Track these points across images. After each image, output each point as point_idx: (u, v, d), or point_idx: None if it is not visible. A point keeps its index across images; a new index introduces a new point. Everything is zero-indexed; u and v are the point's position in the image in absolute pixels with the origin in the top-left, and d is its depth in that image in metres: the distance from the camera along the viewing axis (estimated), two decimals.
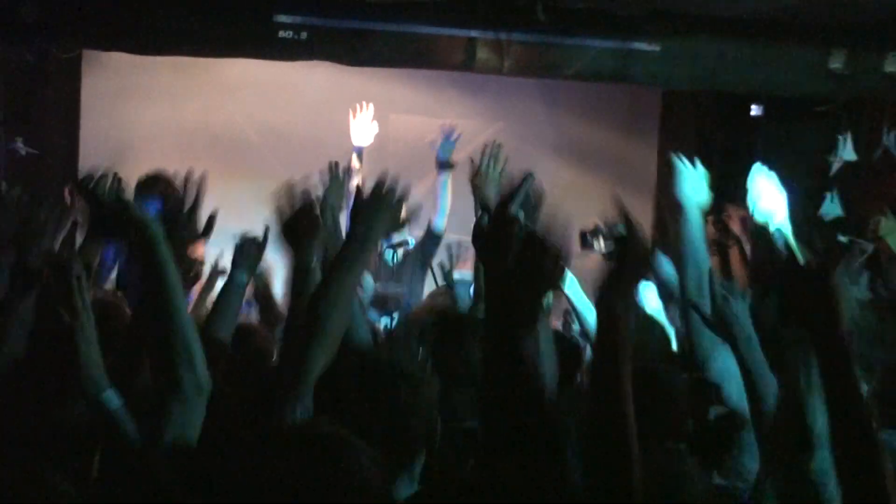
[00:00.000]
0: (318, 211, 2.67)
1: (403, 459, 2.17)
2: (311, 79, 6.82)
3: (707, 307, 3.11)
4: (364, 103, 5.67)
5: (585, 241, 4.13)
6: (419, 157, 6.55)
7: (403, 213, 2.53)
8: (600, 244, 4.11)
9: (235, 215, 6.75)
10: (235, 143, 7.18)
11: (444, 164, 5.60)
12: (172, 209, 3.31)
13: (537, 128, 7.31)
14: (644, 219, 7.06)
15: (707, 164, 4.02)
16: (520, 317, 1.86)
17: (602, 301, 1.88)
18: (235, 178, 7.13)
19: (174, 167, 7.02)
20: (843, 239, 5.65)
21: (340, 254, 2.44)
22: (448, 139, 5.51)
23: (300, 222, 2.60)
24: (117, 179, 2.91)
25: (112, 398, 2.16)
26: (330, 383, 2.28)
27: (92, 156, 6.78)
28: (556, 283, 1.95)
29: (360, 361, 2.41)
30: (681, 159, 3.89)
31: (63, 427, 2.38)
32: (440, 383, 2.45)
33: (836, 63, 5.60)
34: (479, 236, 2.05)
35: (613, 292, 1.87)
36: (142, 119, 7.02)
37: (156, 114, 7.03)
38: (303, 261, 2.60)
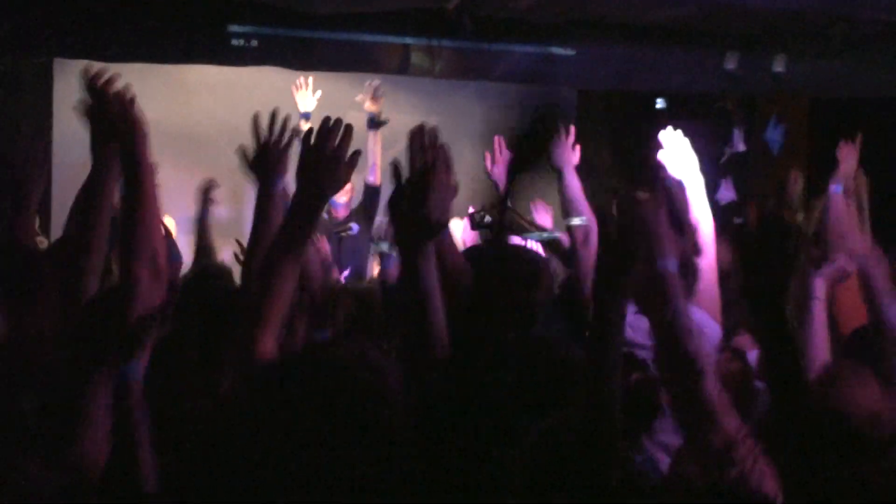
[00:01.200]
0: (283, 143, 2.79)
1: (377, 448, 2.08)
2: (264, 80, 7.28)
3: None
4: (303, 77, 6.16)
5: (475, 221, 4.34)
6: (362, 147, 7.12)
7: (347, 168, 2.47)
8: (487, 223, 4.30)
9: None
10: (196, 140, 7.61)
11: (375, 123, 6.25)
12: None
13: (469, 122, 7.73)
14: None
15: (618, 153, 4.52)
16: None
17: (595, 296, 2.15)
18: (196, 171, 7.63)
19: None
20: (738, 221, 6.23)
21: (291, 212, 2.47)
22: (376, 94, 6.15)
23: (267, 155, 2.78)
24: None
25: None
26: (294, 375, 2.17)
27: (65, 156, 7.24)
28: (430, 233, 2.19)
29: (322, 354, 2.22)
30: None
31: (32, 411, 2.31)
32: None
33: (730, 64, 6.11)
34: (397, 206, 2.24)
35: (603, 287, 2.14)
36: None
37: None
38: (267, 189, 2.75)
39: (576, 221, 3.92)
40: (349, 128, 2.44)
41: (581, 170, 5.11)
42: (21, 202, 3.10)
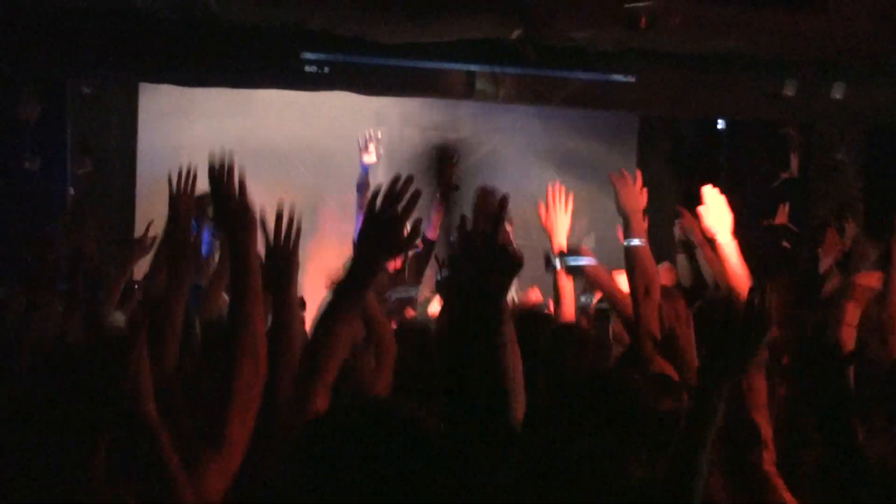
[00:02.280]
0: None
1: None
2: (336, 99, 7.58)
3: None
4: (371, 131, 6.35)
5: (548, 263, 4.42)
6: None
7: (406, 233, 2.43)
8: (560, 264, 4.35)
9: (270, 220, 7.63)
10: (271, 154, 7.94)
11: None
12: None
13: (531, 139, 7.91)
14: None
15: (679, 173, 4.56)
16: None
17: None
18: (271, 185, 7.96)
19: None
20: (786, 245, 6.36)
21: (347, 277, 2.47)
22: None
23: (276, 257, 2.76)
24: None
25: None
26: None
27: (149, 167, 7.64)
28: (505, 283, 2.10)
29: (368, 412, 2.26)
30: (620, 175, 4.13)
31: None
32: None
33: (789, 91, 6.21)
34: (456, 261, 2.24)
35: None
36: (191, 133, 7.78)
37: (203, 129, 7.75)
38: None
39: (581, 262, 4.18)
40: (416, 194, 2.35)
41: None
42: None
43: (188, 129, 7.73)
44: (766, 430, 2.62)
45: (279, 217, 2.79)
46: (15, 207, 6.11)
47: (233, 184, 2.61)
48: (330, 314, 2.44)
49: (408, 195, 2.34)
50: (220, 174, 2.65)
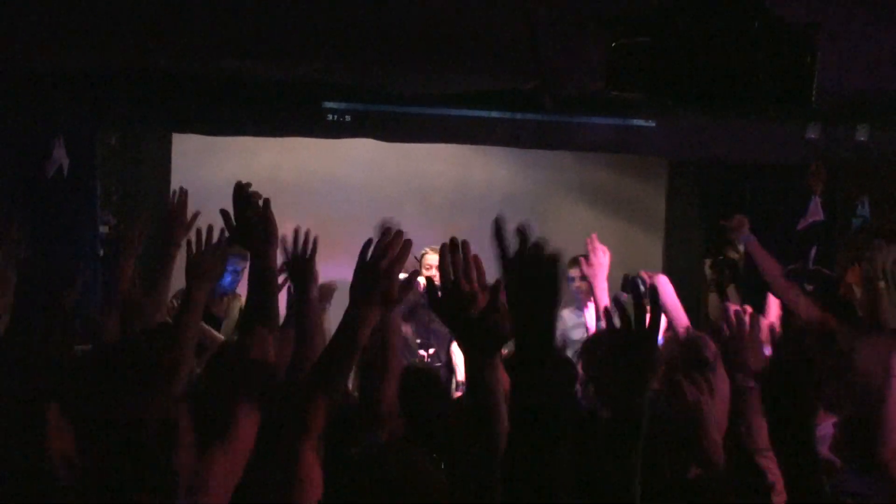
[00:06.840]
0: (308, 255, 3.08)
1: None
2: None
3: None
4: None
5: (626, 286, 4.73)
6: (466, 203, 7.41)
7: (400, 281, 2.37)
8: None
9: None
10: (300, 190, 8.08)
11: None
12: None
13: (564, 174, 7.98)
14: (654, 254, 7.78)
15: (705, 208, 4.51)
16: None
17: (618, 401, 1.93)
18: (300, 220, 8.08)
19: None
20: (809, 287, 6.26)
21: (339, 328, 2.39)
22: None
23: (296, 266, 3.06)
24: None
25: None
26: None
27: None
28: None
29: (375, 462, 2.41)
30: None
31: None
32: None
33: (812, 133, 6.11)
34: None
35: (629, 391, 1.94)
36: (222, 173, 7.95)
37: (234, 165, 7.94)
38: (303, 295, 2.97)
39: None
40: (407, 244, 2.34)
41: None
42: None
43: (219, 167, 7.87)
44: (775, 472, 2.49)
45: (296, 234, 3.16)
46: (46, 255, 6.24)
47: (255, 202, 2.94)
48: (327, 360, 2.42)
49: (397, 248, 2.33)
50: (245, 194, 2.99)
